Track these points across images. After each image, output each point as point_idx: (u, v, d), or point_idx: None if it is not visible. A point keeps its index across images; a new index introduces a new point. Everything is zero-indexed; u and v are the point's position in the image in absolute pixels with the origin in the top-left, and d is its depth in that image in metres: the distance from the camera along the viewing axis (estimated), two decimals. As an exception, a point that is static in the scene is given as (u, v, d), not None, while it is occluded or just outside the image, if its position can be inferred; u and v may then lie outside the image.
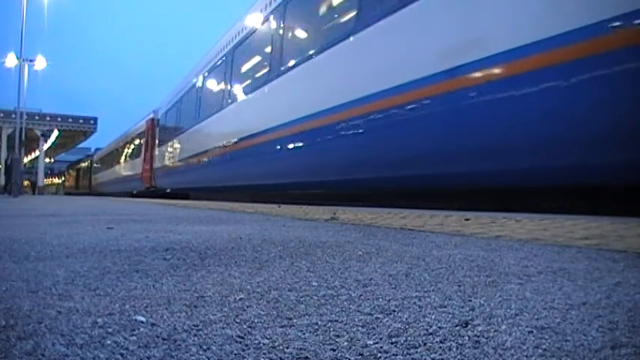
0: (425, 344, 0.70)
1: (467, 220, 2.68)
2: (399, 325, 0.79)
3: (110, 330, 0.75)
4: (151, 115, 16.32)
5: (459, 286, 1.09)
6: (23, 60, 21.21)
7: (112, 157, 25.58)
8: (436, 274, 1.24)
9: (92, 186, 31.93)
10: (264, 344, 0.70)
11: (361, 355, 0.67)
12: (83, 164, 38.27)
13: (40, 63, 24.51)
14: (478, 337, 0.73)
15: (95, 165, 31.68)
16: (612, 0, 2.60)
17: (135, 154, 18.98)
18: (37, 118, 31.60)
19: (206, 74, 10.49)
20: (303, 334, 0.75)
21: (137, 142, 18.58)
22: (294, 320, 0.82)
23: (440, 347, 0.69)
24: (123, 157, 21.78)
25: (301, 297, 0.99)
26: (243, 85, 8.28)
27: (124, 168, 21.32)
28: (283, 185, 6.90)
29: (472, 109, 3.43)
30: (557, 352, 0.66)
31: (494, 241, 1.92)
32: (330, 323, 0.81)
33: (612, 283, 1.10)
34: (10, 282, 1.12)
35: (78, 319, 0.81)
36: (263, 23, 7.48)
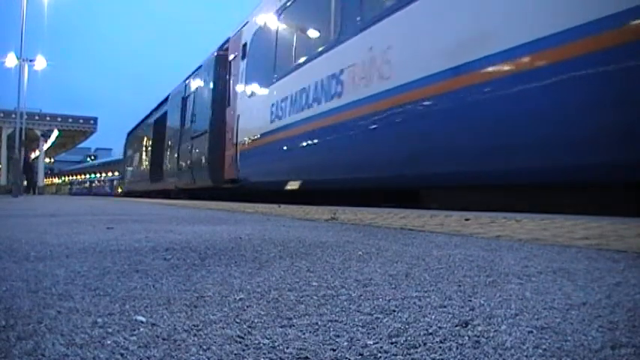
0: (425, 344, 0.70)
1: (467, 220, 2.68)
2: (399, 325, 0.79)
3: (110, 330, 0.75)
4: None
5: (459, 286, 1.09)
6: (23, 60, 21.21)
7: None
8: (436, 274, 1.24)
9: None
10: (264, 344, 0.70)
11: (361, 355, 0.66)
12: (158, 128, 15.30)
13: (40, 63, 24.52)
14: (478, 337, 0.73)
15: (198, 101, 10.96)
16: None
17: None
18: (37, 118, 31.65)
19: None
20: (303, 334, 0.75)
21: None
22: (294, 320, 0.82)
23: (440, 347, 0.69)
24: None
25: (301, 297, 0.99)
26: None
27: None
28: None
29: None
30: (557, 352, 0.66)
31: (494, 241, 1.92)
32: (330, 323, 0.81)
33: (612, 283, 1.10)
34: (10, 282, 1.12)
35: (78, 319, 0.81)
36: None
